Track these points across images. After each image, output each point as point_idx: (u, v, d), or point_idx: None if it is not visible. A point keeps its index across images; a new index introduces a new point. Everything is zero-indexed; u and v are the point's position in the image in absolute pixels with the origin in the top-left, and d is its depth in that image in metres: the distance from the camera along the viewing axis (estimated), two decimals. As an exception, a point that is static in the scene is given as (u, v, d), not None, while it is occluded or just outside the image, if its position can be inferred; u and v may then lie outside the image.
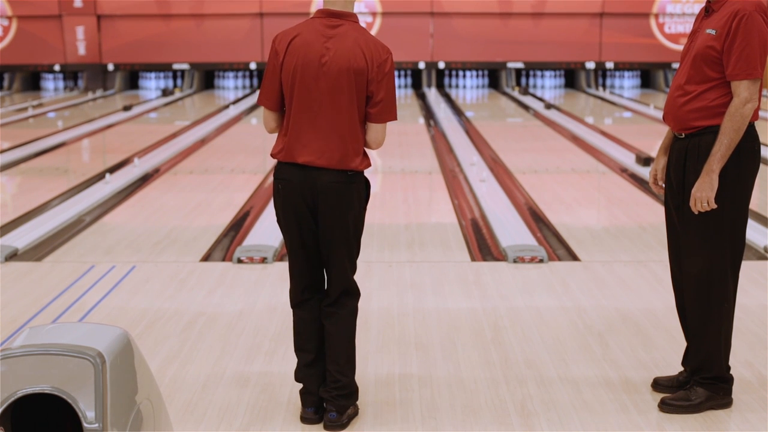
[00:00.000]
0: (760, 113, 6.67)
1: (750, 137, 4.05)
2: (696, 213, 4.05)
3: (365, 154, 4.05)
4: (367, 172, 4.11)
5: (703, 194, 3.99)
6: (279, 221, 4.12)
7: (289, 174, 4.00)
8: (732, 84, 4.01)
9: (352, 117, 3.96)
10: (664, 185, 4.38)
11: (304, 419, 4.15)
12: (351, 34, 3.95)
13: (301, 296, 4.17)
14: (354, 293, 4.18)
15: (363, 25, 4.05)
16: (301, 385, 4.21)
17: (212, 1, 21.05)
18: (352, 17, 4.00)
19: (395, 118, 4.05)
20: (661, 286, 6.07)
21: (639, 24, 21.33)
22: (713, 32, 4.03)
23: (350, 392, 4.14)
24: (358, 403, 4.22)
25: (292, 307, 4.22)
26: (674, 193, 4.23)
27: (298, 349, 4.21)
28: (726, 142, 3.97)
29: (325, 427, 4.08)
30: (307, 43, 3.94)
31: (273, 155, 4.05)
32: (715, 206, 4.00)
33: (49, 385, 2.77)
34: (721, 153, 3.98)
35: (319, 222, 4.02)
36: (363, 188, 4.07)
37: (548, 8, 21.13)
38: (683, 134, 4.17)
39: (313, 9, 20.74)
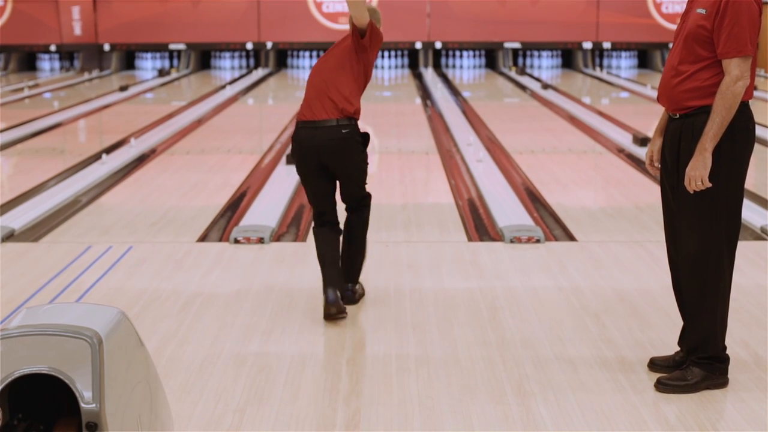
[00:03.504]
0: (756, 93, 6.66)
1: (744, 116, 4.05)
2: (691, 192, 4.05)
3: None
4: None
5: (697, 173, 4.00)
6: (297, 169, 5.29)
7: (297, 135, 5.17)
8: (723, 62, 4.01)
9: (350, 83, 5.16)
10: (659, 166, 4.38)
11: (329, 305, 5.11)
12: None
13: (320, 219, 5.31)
14: (367, 202, 5.40)
15: None
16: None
17: (208, -20, 21.00)
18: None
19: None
20: (657, 266, 6.08)
21: (636, 4, 21.27)
22: (703, 11, 4.03)
23: (358, 275, 5.45)
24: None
25: (314, 228, 5.33)
26: (669, 173, 4.24)
27: (321, 254, 5.24)
28: (718, 121, 3.97)
29: (329, 312, 5.11)
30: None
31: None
32: (709, 185, 4.00)
33: (46, 366, 2.78)
34: (713, 131, 3.98)
35: (329, 167, 5.17)
36: (358, 134, 5.16)
37: (545, -12, 21.08)
38: (677, 114, 4.17)
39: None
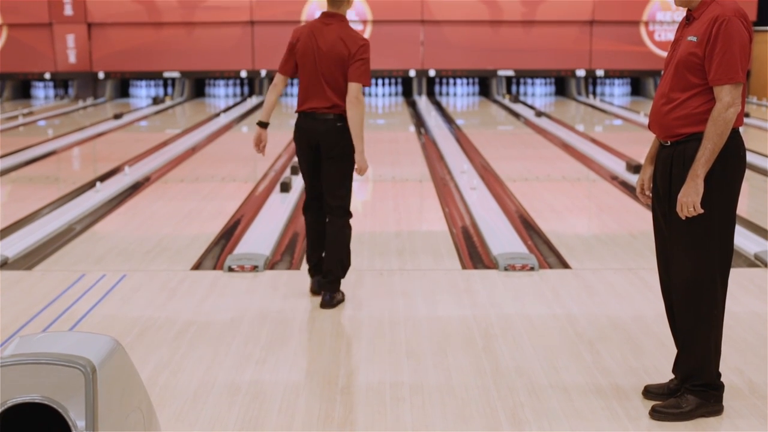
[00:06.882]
0: (754, 122, 6.68)
1: (735, 143, 4.07)
2: (683, 218, 4.07)
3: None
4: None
5: (689, 199, 4.01)
6: (297, 153, 6.01)
7: (300, 122, 5.88)
8: (714, 89, 4.04)
9: (338, 82, 5.78)
10: (650, 195, 4.40)
11: (314, 286, 6.08)
12: (336, 30, 5.80)
13: (309, 203, 6.03)
14: (345, 212, 5.92)
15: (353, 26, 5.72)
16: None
17: (203, 9, 21.06)
18: (340, 18, 5.85)
19: (368, 84, 5.87)
20: (651, 293, 6.09)
21: (629, 31, 21.39)
22: (695, 39, 4.06)
23: (338, 283, 5.94)
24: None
25: (303, 212, 6.11)
26: (661, 201, 4.25)
27: (310, 246, 6.07)
28: (710, 147, 3.99)
29: (321, 306, 5.84)
30: (310, 35, 5.82)
31: (297, 110, 5.92)
32: (701, 211, 4.02)
33: (40, 395, 2.77)
34: (705, 158, 4.00)
35: (321, 154, 5.85)
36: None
37: (538, 16, 21.17)
38: (668, 142, 4.19)
39: (303, 17, 20.81)
